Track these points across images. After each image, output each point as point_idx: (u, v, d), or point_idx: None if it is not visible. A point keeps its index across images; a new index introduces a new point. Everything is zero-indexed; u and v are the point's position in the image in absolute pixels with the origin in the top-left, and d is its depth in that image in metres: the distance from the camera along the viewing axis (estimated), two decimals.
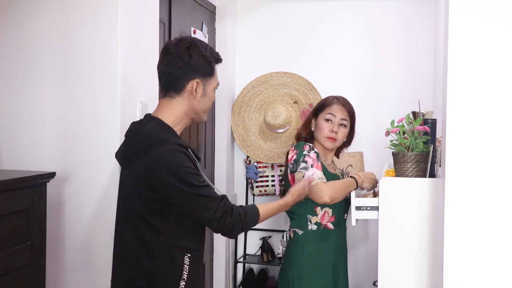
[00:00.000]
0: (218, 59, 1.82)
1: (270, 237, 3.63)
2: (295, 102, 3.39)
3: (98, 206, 2.12)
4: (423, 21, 3.40)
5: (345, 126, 2.45)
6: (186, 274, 1.74)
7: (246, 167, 3.53)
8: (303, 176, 2.26)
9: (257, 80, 3.47)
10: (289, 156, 2.39)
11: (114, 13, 2.08)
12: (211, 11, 3.46)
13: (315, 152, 2.37)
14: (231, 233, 1.76)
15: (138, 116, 2.22)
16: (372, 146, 3.37)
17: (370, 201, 2.08)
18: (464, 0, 1.53)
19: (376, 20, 3.48)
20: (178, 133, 1.79)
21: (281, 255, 2.49)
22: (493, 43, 1.52)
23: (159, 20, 2.50)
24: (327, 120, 2.43)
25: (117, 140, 2.08)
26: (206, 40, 3.31)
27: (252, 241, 3.71)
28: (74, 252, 2.15)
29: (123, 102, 2.11)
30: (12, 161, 2.19)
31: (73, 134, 2.14)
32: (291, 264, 2.37)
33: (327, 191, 2.23)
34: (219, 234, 1.78)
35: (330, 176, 2.36)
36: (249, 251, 3.71)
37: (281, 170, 3.40)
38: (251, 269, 3.63)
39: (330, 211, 2.36)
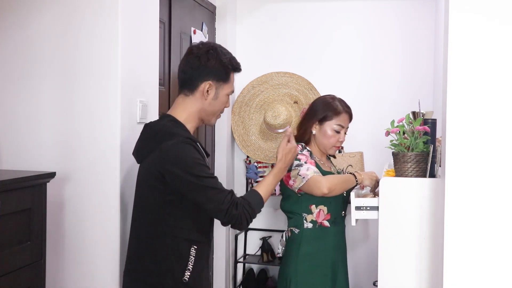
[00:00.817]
0: (236, 68, 1.93)
1: (270, 237, 3.63)
2: (295, 102, 3.39)
3: (98, 206, 2.12)
4: (423, 21, 3.41)
5: (345, 132, 2.48)
6: (192, 265, 1.81)
7: (246, 167, 3.53)
8: (298, 173, 2.28)
9: (257, 80, 3.47)
10: None
11: (114, 13, 2.08)
12: (211, 11, 3.46)
13: (308, 150, 2.39)
14: (240, 225, 1.80)
15: (138, 116, 2.22)
16: (372, 146, 3.37)
17: (370, 201, 2.08)
18: (464, 0, 1.53)
19: (376, 20, 3.48)
20: (191, 132, 1.87)
21: (280, 255, 2.51)
22: (493, 43, 1.52)
23: (159, 20, 2.50)
24: (337, 131, 2.42)
25: (117, 140, 2.08)
26: (206, 40, 3.31)
27: (252, 241, 3.71)
28: (74, 252, 2.15)
29: (123, 102, 2.11)
30: (12, 161, 2.19)
31: (73, 134, 2.14)
32: (289, 263, 2.38)
33: (325, 183, 2.24)
34: (230, 226, 1.81)
35: (325, 173, 2.38)
36: (249, 251, 3.71)
37: None
38: (251, 269, 3.63)
39: (325, 209, 2.36)
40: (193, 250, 1.81)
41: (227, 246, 3.52)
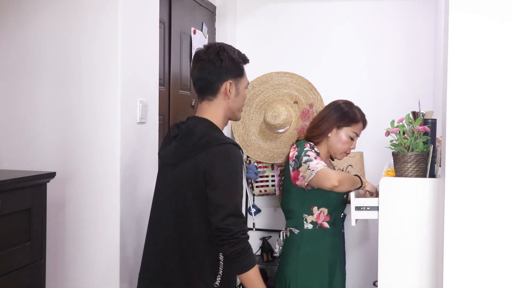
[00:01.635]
0: (245, 60, 1.95)
1: (269, 237, 3.63)
2: (295, 102, 3.39)
3: (98, 206, 2.12)
4: (423, 21, 3.41)
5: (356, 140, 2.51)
6: (221, 270, 1.82)
7: (246, 167, 3.53)
8: (308, 167, 2.27)
9: (257, 80, 3.47)
10: (290, 154, 2.39)
11: (114, 13, 2.09)
12: (211, 11, 3.46)
13: (316, 152, 2.38)
14: (237, 244, 1.75)
15: (138, 116, 2.22)
16: (372, 146, 3.37)
17: (370, 201, 2.08)
18: (464, 0, 1.53)
19: (376, 20, 3.48)
20: None
21: (278, 254, 2.51)
22: (493, 43, 1.52)
23: (159, 20, 2.51)
24: (351, 138, 2.45)
25: (117, 140, 2.08)
26: (206, 40, 3.32)
27: (252, 241, 3.68)
28: (74, 252, 2.16)
29: (123, 102, 2.11)
30: (12, 161, 2.19)
31: (73, 134, 2.14)
32: (287, 263, 2.38)
33: (335, 175, 2.23)
34: (221, 240, 1.75)
35: None
36: None
37: (281, 171, 3.40)
38: None
39: (325, 210, 2.37)
40: (221, 255, 1.81)
41: None
